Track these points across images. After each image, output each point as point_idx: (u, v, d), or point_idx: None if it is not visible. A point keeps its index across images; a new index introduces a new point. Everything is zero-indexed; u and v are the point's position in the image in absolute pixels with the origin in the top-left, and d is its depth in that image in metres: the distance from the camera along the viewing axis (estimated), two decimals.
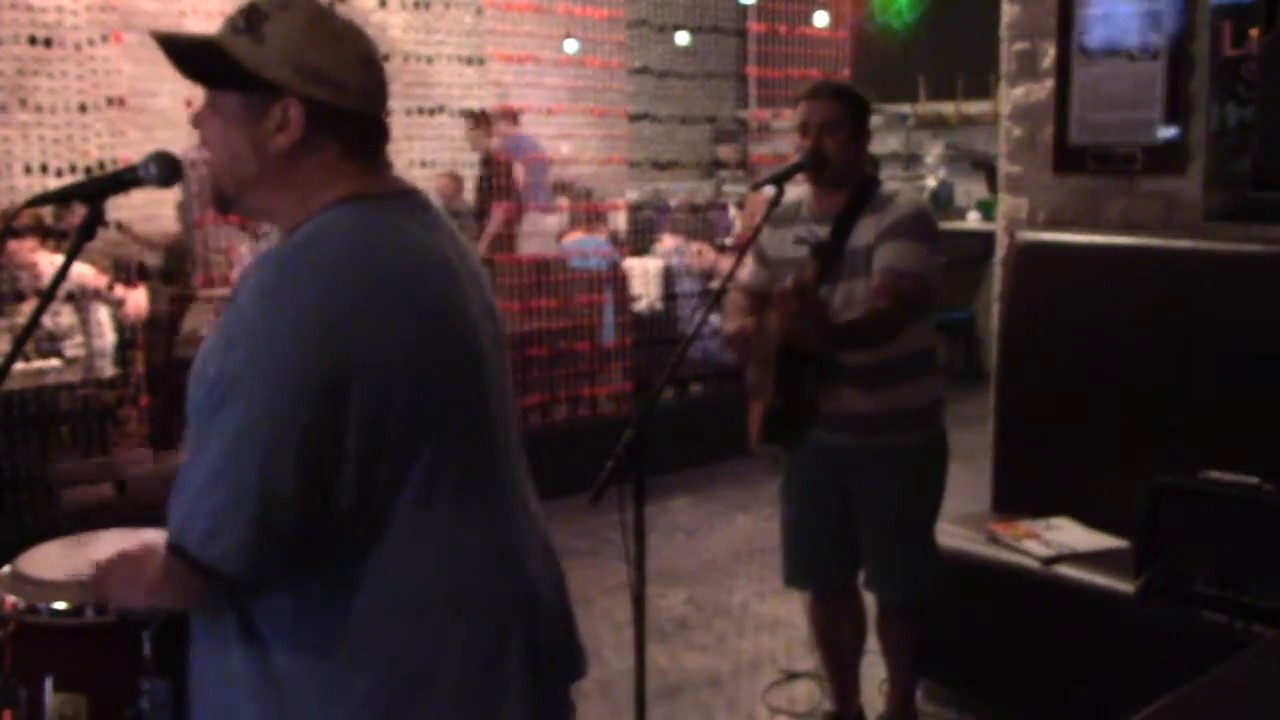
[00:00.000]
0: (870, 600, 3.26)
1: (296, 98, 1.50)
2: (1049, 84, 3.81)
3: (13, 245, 5.01)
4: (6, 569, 1.91)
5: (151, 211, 7.20)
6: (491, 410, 1.63)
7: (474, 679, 1.57)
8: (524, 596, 1.65)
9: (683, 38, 8.89)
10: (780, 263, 3.04)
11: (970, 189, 9.44)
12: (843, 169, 2.95)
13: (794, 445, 3.05)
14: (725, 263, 7.00)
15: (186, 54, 1.55)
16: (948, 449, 3.12)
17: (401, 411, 1.47)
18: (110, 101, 5.23)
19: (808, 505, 3.16)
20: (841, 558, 3.17)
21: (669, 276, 7.34)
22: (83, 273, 5.21)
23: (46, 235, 5.19)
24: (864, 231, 2.89)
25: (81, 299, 5.22)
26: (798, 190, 3.09)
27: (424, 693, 1.54)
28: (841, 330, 2.74)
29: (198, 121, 1.57)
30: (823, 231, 2.94)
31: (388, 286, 1.48)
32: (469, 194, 7.27)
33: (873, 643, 3.34)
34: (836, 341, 2.75)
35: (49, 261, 5.07)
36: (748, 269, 3.19)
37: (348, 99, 1.54)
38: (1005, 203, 4.02)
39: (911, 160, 9.97)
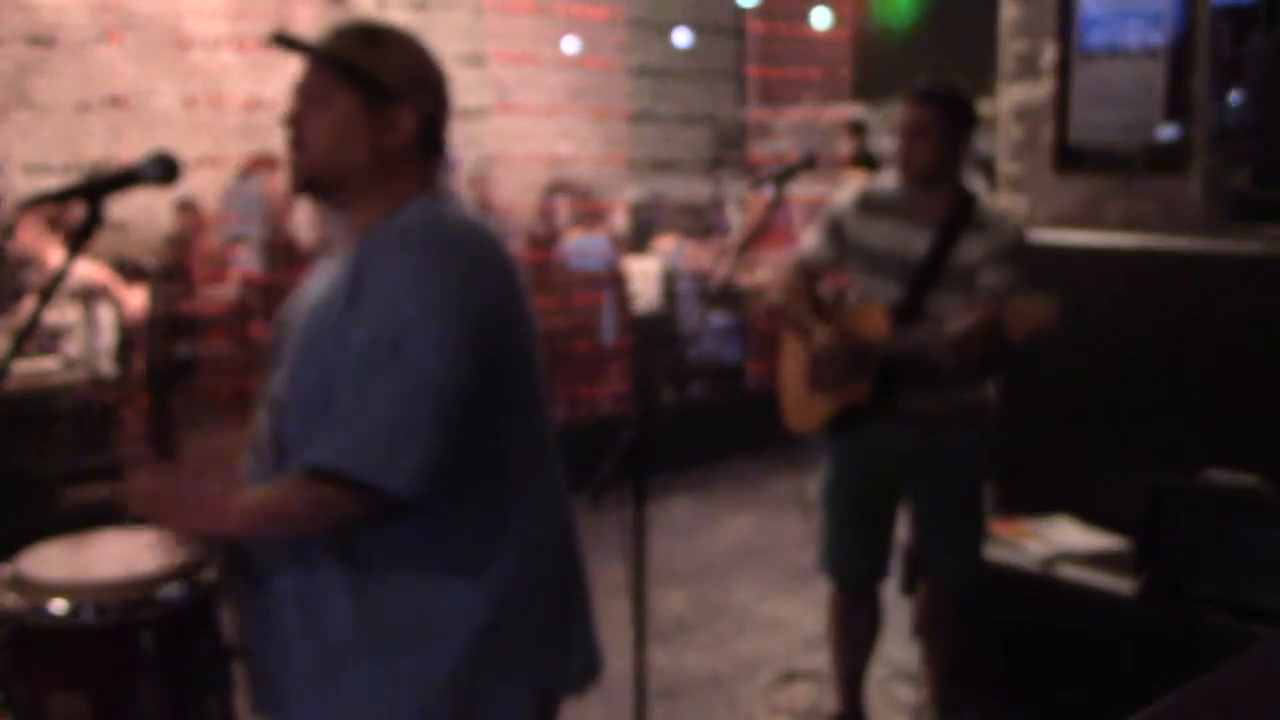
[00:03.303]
0: (896, 606, 3.27)
1: (410, 105, 1.74)
2: (1049, 84, 3.81)
3: (24, 237, 5.01)
4: (6, 569, 1.90)
5: (152, 211, 7.20)
6: (542, 382, 1.87)
7: (549, 627, 1.82)
8: (580, 568, 1.90)
9: (683, 37, 8.90)
10: (870, 252, 3.04)
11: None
12: (932, 174, 2.94)
13: (851, 434, 3.11)
14: (724, 263, 7.00)
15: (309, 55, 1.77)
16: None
17: (514, 359, 1.76)
18: (110, 101, 5.23)
19: (854, 498, 3.18)
20: (877, 556, 3.22)
21: (669, 276, 7.33)
22: (88, 271, 5.21)
23: (55, 228, 5.18)
24: (969, 248, 2.91)
25: (87, 297, 5.22)
26: (890, 182, 3.06)
27: (513, 628, 1.75)
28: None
29: (301, 114, 1.74)
30: (921, 236, 2.96)
31: (501, 255, 1.76)
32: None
33: (879, 643, 3.34)
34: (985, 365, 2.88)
35: (57, 256, 5.06)
36: (808, 241, 3.19)
37: (441, 110, 1.80)
38: (1005, 203, 4.02)
39: None
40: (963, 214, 2.94)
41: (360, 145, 1.73)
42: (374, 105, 1.73)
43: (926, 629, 3.35)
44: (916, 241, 2.96)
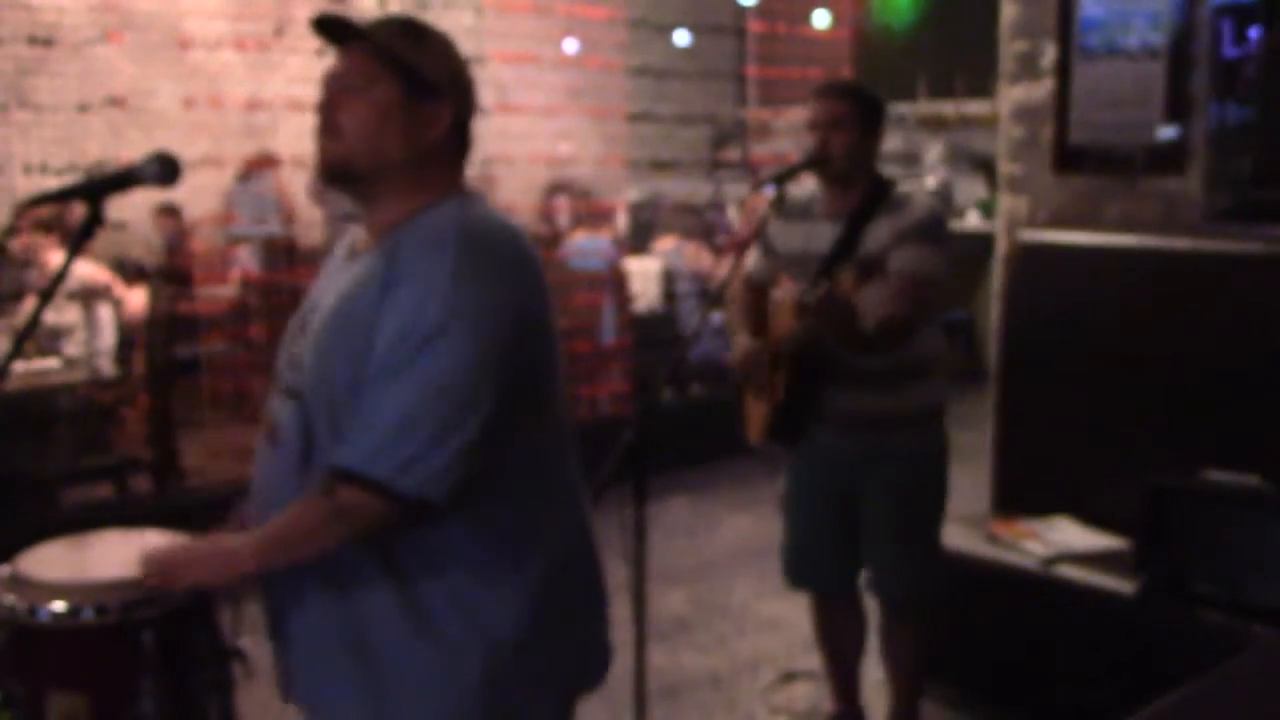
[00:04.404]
0: (873, 607, 3.24)
1: (447, 103, 1.75)
2: (1049, 84, 3.81)
3: (26, 238, 5.01)
4: (6, 569, 1.90)
5: (152, 212, 7.20)
6: (562, 384, 1.87)
7: (578, 626, 1.85)
8: (599, 564, 1.92)
9: (682, 37, 8.90)
10: (790, 257, 3.05)
11: (970, 189, 9.44)
12: (850, 167, 2.93)
13: (795, 443, 3.07)
14: (723, 263, 7.00)
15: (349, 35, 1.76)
16: (949, 451, 3.10)
17: (543, 362, 1.76)
18: (110, 101, 5.22)
19: (811, 506, 3.15)
20: (844, 560, 3.15)
21: (669, 277, 7.33)
22: (88, 271, 5.21)
23: (52, 230, 5.18)
24: (878, 234, 2.88)
25: (87, 297, 5.22)
26: (810, 186, 3.09)
27: (549, 628, 1.77)
28: (867, 336, 2.76)
29: (337, 100, 1.72)
30: (834, 230, 2.94)
31: (530, 256, 1.76)
32: None
33: (873, 642, 3.33)
34: (862, 346, 2.79)
35: (57, 256, 5.07)
36: (751, 260, 3.21)
37: (471, 110, 1.81)
38: (1005, 203, 4.02)
39: (911, 160, 9.97)
40: (873, 203, 2.92)
41: (396, 137, 1.72)
42: (413, 99, 1.72)
43: (882, 645, 3.25)
44: (826, 236, 2.95)
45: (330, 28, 1.76)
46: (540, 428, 1.78)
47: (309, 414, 1.72)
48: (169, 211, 7.09)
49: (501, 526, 1.73)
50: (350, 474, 1.62)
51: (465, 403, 1.62)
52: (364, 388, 1.64)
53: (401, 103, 1.72)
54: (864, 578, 3.17)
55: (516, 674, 1.74)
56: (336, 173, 1.75)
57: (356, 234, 1.85)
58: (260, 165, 6.45)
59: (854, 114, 2.92)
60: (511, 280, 1.69)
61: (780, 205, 2.99)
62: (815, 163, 2.93)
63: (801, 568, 3.22)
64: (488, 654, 1.71)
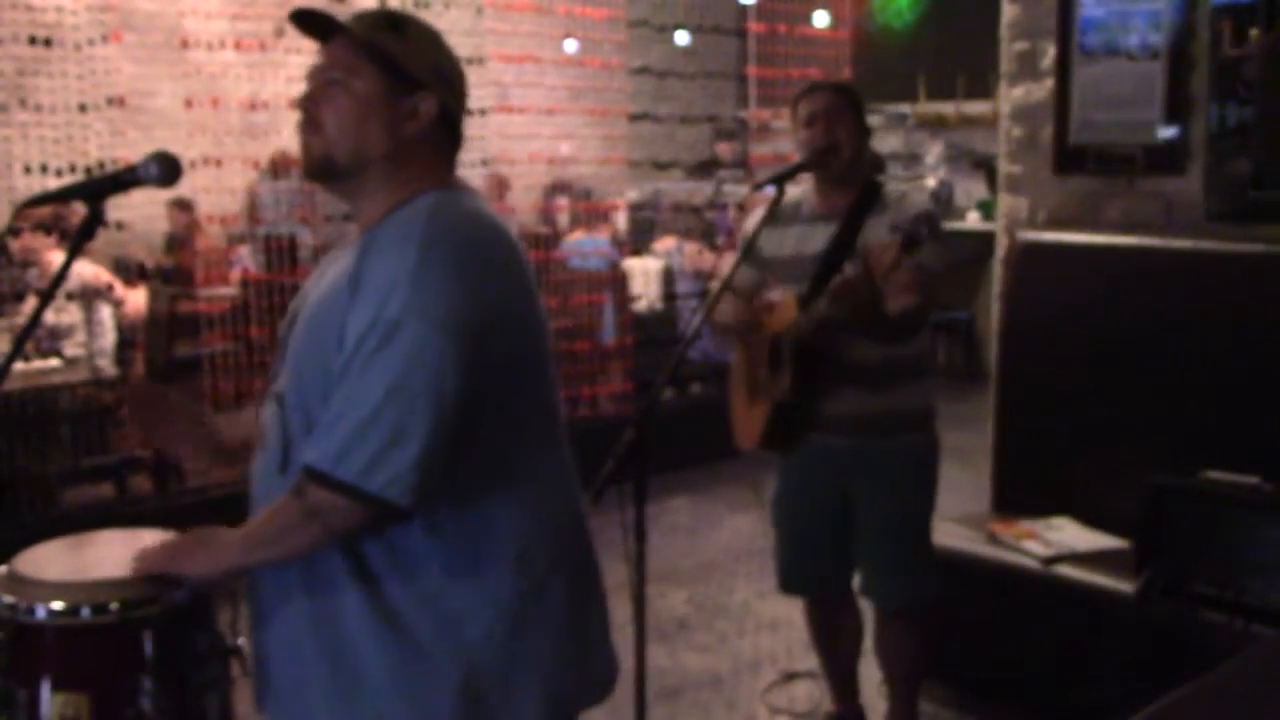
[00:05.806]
0: (866, 607, 3.23)
1: (431, 95, 1.72)
2: (1049, 84, 3.81)
3: (26, 239, 5.01)
4: (3, 569, 1.90)
5: (152, 211, 7.20)
6: (554, 381, 1.84)
7: (565, 633, 1.80)
8: (596, 572, 1.91)
9: (683, 38, 8.90)
10: (779, 261, 3.03)
11: (970, 189, 9.43)
12: (852, 160, 2.94)
13: (791, 448, 3.05)
14: (724, 263, 7.01)
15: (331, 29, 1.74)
16: (939, 453, 3.10)
17: (522, 359, 1.72)
18: (110, 101, 5.22)
19: (803, 510, 3.14)
20: (837, 563, 3.14)
21: (669, 276, 7.33)
22: (88, 271, 5.22)
23: (58, 232, 5.18)
24: (875, 230, 2.87)
25: (87, 297, 5.23)
26: (797, 189, 3.08)
27: (529, 631, 1.73)
28: (889, 320, 2.73)
29: (320, 95, 1.70)
30: (828, 230, 2.93)
31: (511, 252, 1.74)
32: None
33: (870, 643, 3.33)
34: (883, 330, 2.78)
35: (57, 256, 5.07)
36: (735, 269, 3.15)
37: (459, 104, 1.79)
38: (1005, 203, 4.02)
39: (911, 160, 9.97)
40: (868, 202, 2.93)
41: (379, 130, 1.70)
42: (396, 92, 1.71)
43: (876, 646, 3.23)
44: (820, 236, 2.95)
45: (312, 23, 1.74)
46: (521, 427, 1.74)
47: (287, 418, 1.71)
48: (182, 206, 7.11)
49: (475, 527, 1.70)
50: (319, 474, 1.61)
51: (425, 402, 1.59)
52: (334, 386, 1.62)
53: (382, 96, 1.70)
54: (856, 582, 3.16)
55: (495, 678, 1.70)
56: (320, 169, 1.73)
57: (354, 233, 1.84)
58: (290, 163, 6.45)
59: (849, 106, 2.96)
60: (481, 276, 1.66)
61: (773, 209, 2.94)
62: (822, 154, 2.91)
63: (795, 573, 3.21)
64: (464, 658, 1.68)
